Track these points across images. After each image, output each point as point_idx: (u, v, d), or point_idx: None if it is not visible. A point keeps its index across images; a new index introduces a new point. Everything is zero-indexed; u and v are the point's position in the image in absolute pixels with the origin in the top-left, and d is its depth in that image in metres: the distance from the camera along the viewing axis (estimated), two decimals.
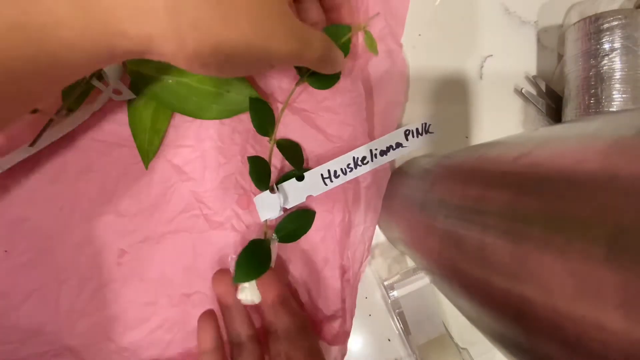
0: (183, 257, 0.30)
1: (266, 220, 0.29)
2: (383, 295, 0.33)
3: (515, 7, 0.35)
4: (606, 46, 0.28)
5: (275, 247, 0.29)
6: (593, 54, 0.29)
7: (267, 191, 0.29)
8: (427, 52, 0.34)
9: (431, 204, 0.22)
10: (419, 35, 0.34)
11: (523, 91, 0.34)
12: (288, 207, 0.30)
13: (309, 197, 0.30)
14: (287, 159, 0.29)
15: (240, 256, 0.28)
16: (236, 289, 0.29)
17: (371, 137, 0.31)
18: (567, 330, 0.10)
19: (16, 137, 0.29)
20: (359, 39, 0.31)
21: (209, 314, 0.29)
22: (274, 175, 0.31)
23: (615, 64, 0.28)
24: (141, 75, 0.28)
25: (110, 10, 0.16)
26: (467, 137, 0.35)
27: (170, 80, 0.28)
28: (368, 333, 0.34)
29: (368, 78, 0.32)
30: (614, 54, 0.28)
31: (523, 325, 0.13)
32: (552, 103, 0.34)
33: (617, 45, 0.28)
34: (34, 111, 0.27)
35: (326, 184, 0.29)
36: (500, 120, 0.35)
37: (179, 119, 0.30)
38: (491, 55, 0.35)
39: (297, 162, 0.29)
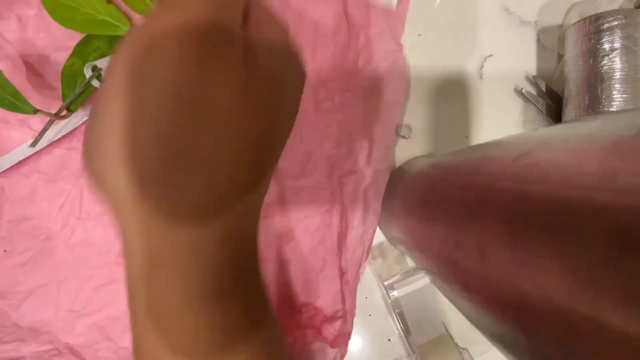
0: None
1: None
2: (383, 296, 0.33)
3: (515, 7, 0.35)
4: (606, 46, 0.28)
5: None
6: (593, 54, 0.29)
7: None
8: (427, 52, 0.34)
9: (431, 204, 0.22)
10: (419, 35, 0.34)
11: (523, 91, 0.34)
12: None
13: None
14: None
15: None
16: None
17: (370, 137, 0.31)
18: (567, 330, 0.10)
19: (16, 137, 0.29)
20: (360, 38, 0.31)
21: None
22: None
23: (615, 64, 0.28)
24: None
25: None
26: (467, 137, 0.35)
27: None
28: (368, 333, 0.34)
29: (367, 78, 0.32)
30: (614, 54, 0.28)
31: (523, 325, 0.13)
32: (552, 103, 0.34)
33: (617, 45, 0.28)
34: (35, 111, 0.27)
35: None
36: (500, 120, 0.35)
37: None
38: (491, 55, 0.35)
39: None
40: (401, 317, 0.31)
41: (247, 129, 0.12)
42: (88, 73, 0.27)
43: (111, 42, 0.30)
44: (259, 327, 0.15)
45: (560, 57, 0.35)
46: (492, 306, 0.14)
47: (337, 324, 0.31)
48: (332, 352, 0.31)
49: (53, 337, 0.29)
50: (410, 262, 0.33)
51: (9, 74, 0.27)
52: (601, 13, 0.28)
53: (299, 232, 0.31)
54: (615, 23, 0.28)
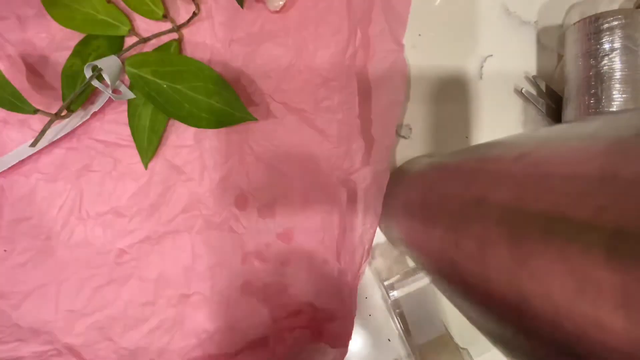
0: (182, 257, 0.30)
1: None
2: (383, 296, 0.33)
3: (515, 7, 0.35)
4: (606, 46, 0.28)
5: None
6: (593, 54, 0.29)
7: None
8: (427, 52, 0.34)
9: (431, 204, 0.22)
10: (419, 35, 0.34)
11: (523, 91, 0.34)
12: None
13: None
14: None
15: None
16: None
17: (370, 136, 0.31)
18: (567, 330, 0.10)
19: (16, 137, 0.29)
20: (358, 35, 0.31)
21: None
22: None
23: (615, 64, 0.28)
24: (139, 77, 0.28)
25: None
26: (467, 137, 0.35)
27: (165, 85, 0.28)
28: (368, 333, 0.34)
29: (367, 77, 0.32)
30: (614, 54, 0.28)
31: (523, 325, 0.12)
32: (552, 103, 0.34)
33: (617, 45, 0.28)
34: (35, 111, 0.27)
35: None
36: (500, 120, 0.35)
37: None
38: (491, 55, 0.35)
39: None
40: (401, 317, 0.31)
41: None
42: (88, 73, 0.27)
43: (111, 42, 0.30)
44: None
45: (560, 57, 0.35)
46: (492, 306, 0.14)
47: (337, 324, 0.31)
48: (332, 352, 0.31)
49: (53, 337, 0.29)
50: (410, 262, 0.33)
51: (9, 74, 0.27)
52: (601, 13, 0.28)
53: (299, 232, 0.31)
54: (615, 23, 0.28)
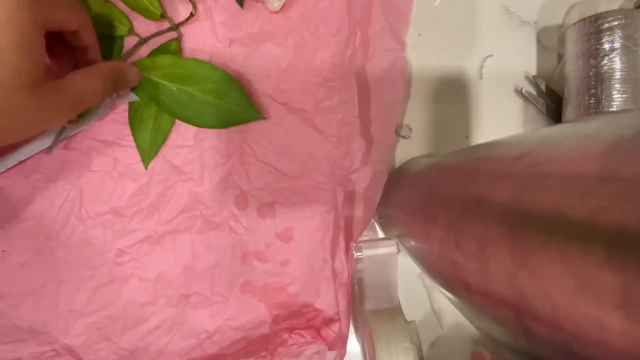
0: (182, 257, 0.30)
1: None
2: None
3: (515, 7, 0.35)
4: (606, 46, 0.28)
5: None
6: (593, 54, 0.29)
7: None
8: (427, 52, 0.34)
9: (431, 204, 0.21)
10: (419, 35, 0.34)
11: (523, 91, 0.34)
12: None
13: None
14: None
15: None
16: None
17: (370, 137, 0.31)
18: (567, 330, 0.10)
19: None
20: (358, 35, 0.31)
21: None
22: None
23: (615, 64, 0.28)
24: (147, 80, 0.29)
25: None
26: (467, 137, 0.35)
27: (174, 88, 0.29)
28: None
29: (367, 77, 0.32)
30: (614, 54, 0.28)
31: (523, 325, 0.12)
32: (552, 103, 0.34)
33: (617, 45, 0.28)
34: None
35: None
36: (500, 120, 0.35)
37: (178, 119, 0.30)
38: (491, 55, 0.35)
39: None
40: (359, 282, 0.30)
41: None
42: None
43: (111, 42, 0.30)
44: None
45: (560, 57, 0.35)
46: (492, 306, 0.14)
47: (336, 327, 0.31)
48: (330, 354, 0.31)
49: (52, 337, 0.29)
50: (381, 233, 0.33)
51: None
52: (601, 13, 0.28)
53: (299, 232, 0.31)
54: (615, 23, 0.28)
